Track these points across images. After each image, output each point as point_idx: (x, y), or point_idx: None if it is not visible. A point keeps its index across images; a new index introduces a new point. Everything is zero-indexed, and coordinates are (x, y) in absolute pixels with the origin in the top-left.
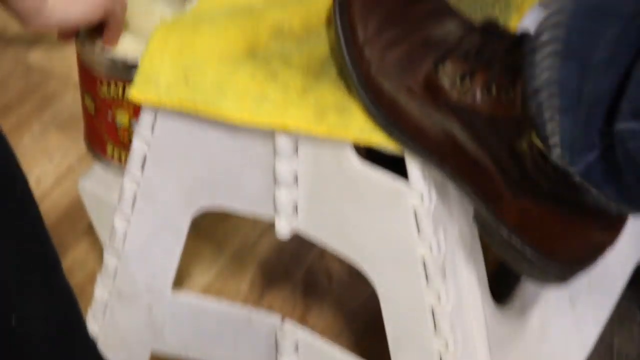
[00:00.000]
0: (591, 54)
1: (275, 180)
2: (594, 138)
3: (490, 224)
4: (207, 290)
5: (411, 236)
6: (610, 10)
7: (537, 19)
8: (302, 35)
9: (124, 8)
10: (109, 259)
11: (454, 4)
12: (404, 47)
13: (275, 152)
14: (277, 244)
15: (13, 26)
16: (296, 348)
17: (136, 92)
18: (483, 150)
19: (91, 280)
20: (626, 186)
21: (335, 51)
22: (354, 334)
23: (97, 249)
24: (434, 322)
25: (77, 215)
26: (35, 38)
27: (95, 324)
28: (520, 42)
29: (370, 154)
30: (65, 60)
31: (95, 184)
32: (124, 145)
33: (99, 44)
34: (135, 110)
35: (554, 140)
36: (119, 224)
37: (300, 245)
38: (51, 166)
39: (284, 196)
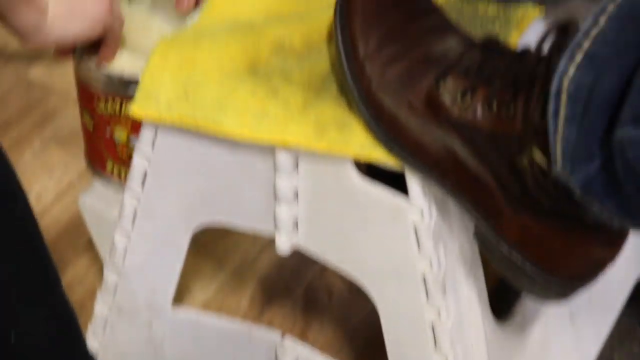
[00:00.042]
0: (611, 64)
1: (275, 196)
2: (594, 148)
3: (490, 240)
4: (207, 306)
5: (411, 252)
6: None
7: (537, 35)
8: (303, 52)
9: (121, 24)
10: (109, 275)
11: (454, 21)
12: (405, 63)
13: (275, 168)
14: (278, 260)
15: (14, 42)
16: None
17: (137, 108)
18: (484, 167)
19: (91, 296)
20: (626, 197)
21: (335, 67)
22: (354, 350)
23: (97, 264)
24: (434, 338)
25: (77, 231)
26: (36, 54)
27: (95, 340)
28: (520, 58)
29: (370, 170)
30: (65, 77)
31: (96, 200)
32: (123, 161)
33: (96, 60)
34: (134, 126)
35: (556, 150)
36: (119, 239)
37: (300, 261)
38: (52, 182)
39: (284, 212)
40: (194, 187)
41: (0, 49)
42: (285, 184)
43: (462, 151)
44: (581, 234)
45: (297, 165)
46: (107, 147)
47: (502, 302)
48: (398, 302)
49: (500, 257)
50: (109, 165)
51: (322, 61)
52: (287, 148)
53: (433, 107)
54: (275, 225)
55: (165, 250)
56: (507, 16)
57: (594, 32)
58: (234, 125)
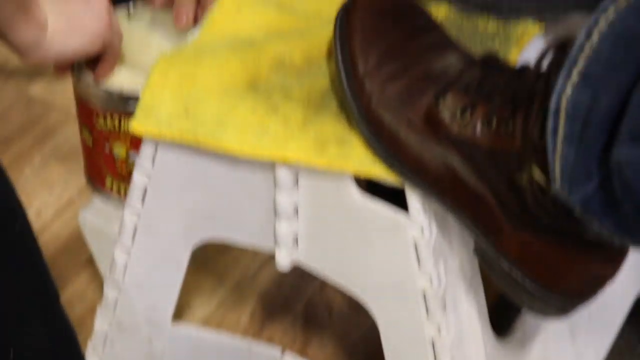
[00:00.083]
0: (607, 82)
1: (275, 212)
2: (592, 167)
3: (490, 256)
4: (207, 322)
5: (411, 268)
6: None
7: (537, 52)
8: (303, 68)
9: (121, 39)
10: (109, 291)
11: (454, 37)
12: (405, 80)
13: (275, 184)
14: (278, 275)
15: (14, 59)
16: None
17: (137, 125)
18: (483, 184)
19: (91, 312)
20: (624, 216)
21: (335, 84)
22: None
23: (97, 280)
24: (435, 354)
25: (77, 247)
26: (37, 71)
27: (95, 356)
28: (520, 75)
29: (370, 186)
30: (66, 93)
31: (96, 216)
32: (122, 177)
33: (93, 76)
34: (133, 142)
35: (555, 169)
36: (120, 256)
37: (300, 277)
38: (51, 198)
39: (284, 228)
40: (194, 203)
41: (1, 66)
42: (285, 200)
43: (461, 168)
44: (581, 251)
45: (297, 181)
46: (106, 163)
47: (502, 318)
48: (398, 318)
49: (500, 273)
50: (109, 181)
51: (322, 77)
52: (287, 164)
53: (433, 124)
54: (275, 241)
55: (166, 266)
56: (507, 33)
57: (587, 49)
58: (234, 141)
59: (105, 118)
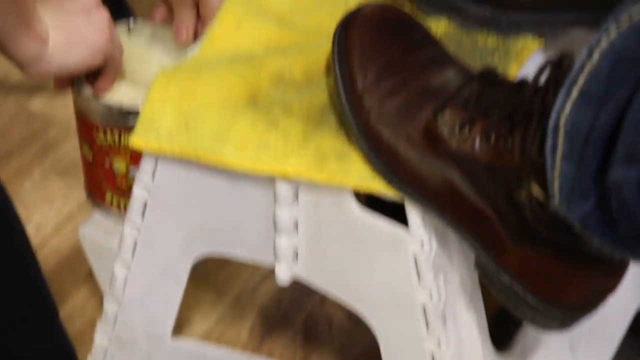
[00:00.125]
0: (606, 100)
1: (275, 226)
2: (589, 186)
3: (491, 271)
4: (206, 336)
5: (411, 283)
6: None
7: (536, 67)
8: (303, 83)
9: (121, 53)
10: (109, 306)
11: (453, 53)
12: (403, 95)
13: (275, 198)
14: (277, 290)
15: (15, 74)
16: None
17: (137, 139)
18: (482, 198)
19: (91, 326)
20: (622, 235)
21: (334, 99)
22: None
23: (97, 295)
24: None
25: (77, 261)
26: (37, 86)
27: None
28: (518, 90)
29: (370, 201)
30: (66, 108)
31: (96, 231)
32: (122, 192)
33: (93, 90)
34: (133, 156)
35: (554, 186)
36: (119, 270)
37: (300, 291)
38: (51, 213)
39: (284, 243)
40: (194, 217)
41: (1, 81)
42: (285, 215)
43: (460, 183)
44: (581, 265)
45: (297, 196)
46: (106, 177)
47: (502, 332)
48: (398, 332)
49: (500, 287)
50: (108, 196)
51: (321, 93)
52: (287, 179)
53: (431, 139)
54: (275, 256)
55: (165, 280)
56: (506, 48)
57: (588, 68)
58: (234, 156)
59: (105, 133)
